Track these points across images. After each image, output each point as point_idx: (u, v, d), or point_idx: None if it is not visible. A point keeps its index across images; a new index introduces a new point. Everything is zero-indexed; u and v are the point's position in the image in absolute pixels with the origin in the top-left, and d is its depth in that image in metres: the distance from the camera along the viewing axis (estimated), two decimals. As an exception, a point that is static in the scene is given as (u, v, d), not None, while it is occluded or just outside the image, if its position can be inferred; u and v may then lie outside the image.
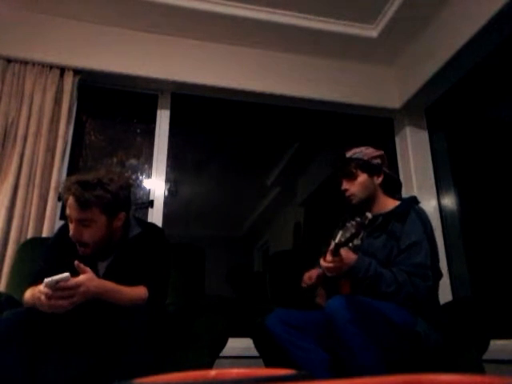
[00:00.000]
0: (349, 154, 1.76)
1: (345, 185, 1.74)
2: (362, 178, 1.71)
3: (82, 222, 1.42)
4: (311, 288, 1.74)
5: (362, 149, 1.76)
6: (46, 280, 1.23)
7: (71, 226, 1.44)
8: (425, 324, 1.51)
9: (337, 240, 1.44)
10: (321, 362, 1.50)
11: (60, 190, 1.55)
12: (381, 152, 1.79)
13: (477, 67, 2.54)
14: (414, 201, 1.72)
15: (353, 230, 1.40)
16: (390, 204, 1.72)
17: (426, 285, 1.50)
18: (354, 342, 1.32)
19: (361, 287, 1.54)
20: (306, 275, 1.76)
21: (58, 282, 1.23)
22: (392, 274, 1.50)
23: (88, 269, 1.33)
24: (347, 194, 1.73)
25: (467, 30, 2.32)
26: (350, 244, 1.41)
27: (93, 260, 1.50)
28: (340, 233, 1.44)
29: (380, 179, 1.73)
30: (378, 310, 1.46)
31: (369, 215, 1.43)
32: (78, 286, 1.26)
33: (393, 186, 1.79)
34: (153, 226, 1.75)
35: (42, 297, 1.24)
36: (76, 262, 1.30)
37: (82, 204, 1.39)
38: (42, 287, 1.25)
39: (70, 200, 1.41)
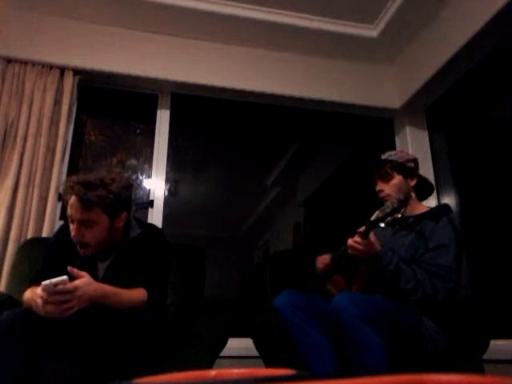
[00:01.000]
0: (384, 156, 1.80)
1: (380, 186, 1.76)
2: (397, 179, 1.73)
3: (84, 222, 1.40)
4: (324, 274, 1.74)
5: (397, 151, 1.83)
6: (44, 283, 1.21)
7: (72, 227, 1.42)
8: (432, 326, 1.51)
9: (373, 218, 1.45)
10: (324, 351, 1.49)
11: (61, 190, 1.53)
12: (414, 156, 1.83)
13: (477, 67, 2.54)
14: (448, 209, 1.73)
15: (395, 205, 1.42)
16: (421, 208, 1.75)
17: (447, 286, 1.50)
18: (360, 337, 1.34)
19: (380, 279, 1.54)
20: (320, 260, 1.74)
21: (55, 284, 1.21)
22: (412, 272, 1.51)
23: (85, 273, 1.31)
24: (382, 194, 1.75)
25: (467, 30, 2.32)
26: (389, 218, 1.42)
27: (92, 261, 1.50)
28: (376, 212, 1.45)
29: (414, 182, 1.76)
30: (382, 307, 1.46)
31: (413, 195, 1.46)
32: (75, 289, 1.24)
33: (423, 191, 1.82)
34: (153, 226, 1.74)
35: (39, 300, 1.22)
36: (69, 268, 1.28)
37: (85, 204, 1.37)
38: (39, 290, 1.23)
39: (72, 200, 1.39)
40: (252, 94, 2.84)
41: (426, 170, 2.95)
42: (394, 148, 3.12)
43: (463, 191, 2.85)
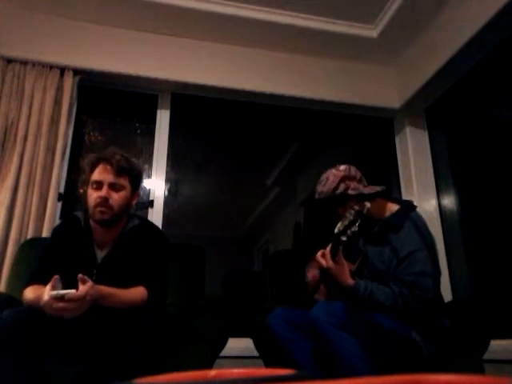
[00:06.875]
0: (316, 195, 1.74)
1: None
2: (341, 210, 1.67)
3: (113, 185, 1.54)
4: (313, 287, 1.75)
5: (322, 183, 1.72)
6: (52, 293, 1.24)
7: (97, 192, 1.51)
8: (424, 330, 1.52)
9: (336, 230, 1.46)
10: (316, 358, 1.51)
11: (91, 159, 1.59)
12: (342, 174, 1.70)
13: (477, 67, 2.54)
14: (410, 208, 1.69)
15: (351, 218, 1.43)
16: (387, 208, 1.71)
17: (426, 297, 1.49)
18: (337, 342, 1.36)
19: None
20: (310, 274, 1.75)
21: (63, 296, 1.24)
22: (392, 298, 1.50)
23: (87, 277, 1.31)
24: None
25: (467, 29, 2.32)
26: (349, 231, 1.43)
27: (91, 249, 1.55)
28: (339, 223, 1.46)
29: (353, 202, 1.64)
30: (360, 314, 1.48)
31: (367, 204, 1.44)
32: (82, 297, 1.26)
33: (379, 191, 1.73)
34: (150, 222, 1.81)
35: (47, 306, 1.25)
36: (80, 276, 1.29)
37: (120, 170, 1.54)
38: (46, 297, 1.24)
39: (105, 165, 1.54)
40: (252, 93, 2.84)
41: (426, 170, 2.96)
42: (394, 149, 3.13)
43: (463, 191, 2.85)
